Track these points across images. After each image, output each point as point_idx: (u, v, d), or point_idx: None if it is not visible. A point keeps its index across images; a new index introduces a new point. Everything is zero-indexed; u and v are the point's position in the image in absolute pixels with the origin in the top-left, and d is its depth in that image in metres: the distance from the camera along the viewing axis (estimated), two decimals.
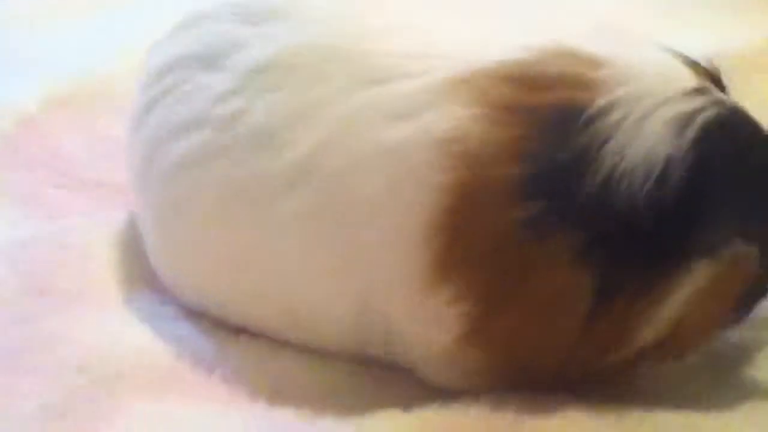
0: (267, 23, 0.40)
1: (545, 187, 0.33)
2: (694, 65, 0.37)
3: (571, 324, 0.35)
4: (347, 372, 0.41)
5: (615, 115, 0.33)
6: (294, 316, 0.41)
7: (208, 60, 0.40)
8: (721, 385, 0.40)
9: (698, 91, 0.34)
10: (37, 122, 0.61)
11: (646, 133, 0.33)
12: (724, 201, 0.33)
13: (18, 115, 0.62)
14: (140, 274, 0.48)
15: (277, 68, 0.38)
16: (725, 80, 0.37)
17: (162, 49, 0.44)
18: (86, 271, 0.49)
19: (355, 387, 0.41)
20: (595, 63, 0.35)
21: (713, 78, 0.37)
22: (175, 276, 0.45)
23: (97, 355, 0.42)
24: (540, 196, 0.33)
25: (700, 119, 0.33)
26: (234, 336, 0.44)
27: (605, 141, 0.33)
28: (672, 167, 0.32)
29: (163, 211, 0.43)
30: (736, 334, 0.41)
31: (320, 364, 0.42)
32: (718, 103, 0.34)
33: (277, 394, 0.40)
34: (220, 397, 0.41)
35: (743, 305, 0.38)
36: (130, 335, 0.44)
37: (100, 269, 0.49)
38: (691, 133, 0.33)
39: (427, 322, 0.37)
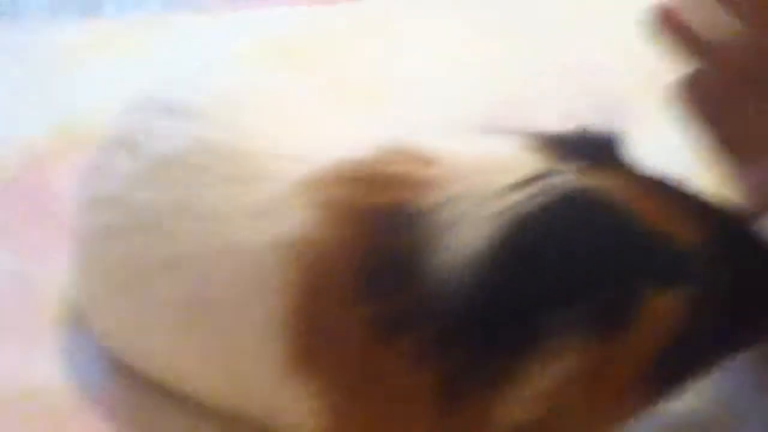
0: (180, 117, 0.42)
1: (383, 286, 0.34)
2: (549, 147, 0.36)
3: (422, 424, 0.35)
4: None
5: (440, 214, 0.34)
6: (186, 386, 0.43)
7: (122, 143, 0.43)
8: None
9: (525, 183, 0.34)
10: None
11: (467, 231, 0.33)
12: (546, 297, 0.33)
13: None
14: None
15: (176, 162, 0.40)
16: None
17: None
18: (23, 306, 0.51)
19: None
20: (427, 161, 0.36)
21: (589, 145, 0.36)
22: (93, 322, 0.47)
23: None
24: (379, 295, 0.34)
25: (514, 214, 0.33)
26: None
27: (432, 240, 0.33)
28: (485, 264, 0.33)
29: (79, 271, 0.46)
30: None
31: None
32: (541, 191, 0.33)
33: None
34: None
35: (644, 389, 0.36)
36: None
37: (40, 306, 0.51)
38: (503, 228, 0.33)
39: (289, 417, 0.38)
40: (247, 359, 0.38)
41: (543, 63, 0.65)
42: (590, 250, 0.33)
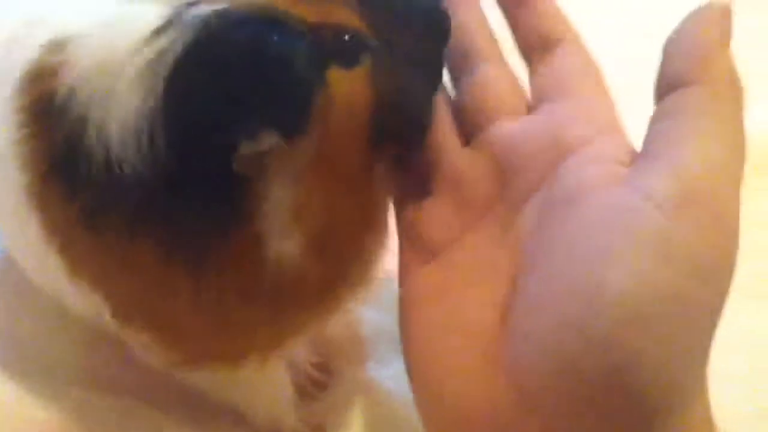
0: None
1: (71, 176, 0.33)
2: None
3: (167, 284, 0.33)
4: None
5: (84, 94, 0.31)
6: None
7: None
8: None
9: (159, 31, 0.31)
10: None
11: (118, 99, 0.31)
12: (219, 118, 0.30)
13: None
14: None
15: None
16: None
17: None
18: None
19: None
20: (59, 46, 0.33)
21: None
22: None
23: None
24: (72, 186, 0.33)
25: (161, 56, 0.30)
26: None
27: (84, 121, 0.31)
28: (149, 119, 0.30)
29: None
30: None
31: None
32: (185, 27, 0.30)
33: None
34: None
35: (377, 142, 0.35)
36: None
37: None
38: (151, 76, 0.30)
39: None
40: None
41: None
42: (264, 54, 0.31)
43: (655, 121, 0.32)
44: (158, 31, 0.31)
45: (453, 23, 0.37)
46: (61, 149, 0.32)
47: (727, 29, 0.32)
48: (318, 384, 0.45)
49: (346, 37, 0.33)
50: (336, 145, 0.33)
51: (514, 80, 0.39)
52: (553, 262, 0.31)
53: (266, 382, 0.41)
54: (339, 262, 0.36)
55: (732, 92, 0.31)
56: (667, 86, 0.32)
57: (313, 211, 0.33)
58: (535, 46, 0.39)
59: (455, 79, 0.40)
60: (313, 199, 0.33)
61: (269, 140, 0.31)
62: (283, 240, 0.33)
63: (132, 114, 0.30)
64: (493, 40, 0.40)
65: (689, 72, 0.31)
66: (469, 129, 0.38)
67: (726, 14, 0.32)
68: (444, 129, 0.38)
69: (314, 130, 0.32)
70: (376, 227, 0.38)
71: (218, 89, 0.30)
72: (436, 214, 0.37)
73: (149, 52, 0.30)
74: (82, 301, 0.37)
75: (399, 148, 0.37)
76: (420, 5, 0.36)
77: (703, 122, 0.30)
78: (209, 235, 0.32)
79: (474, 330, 0.33)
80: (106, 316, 0.36)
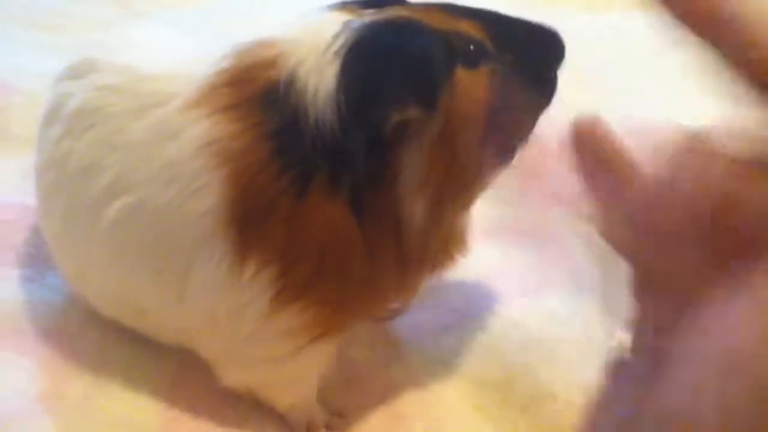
0: (86, 76, 0.47)
1: (289, 151, 0.41)
2: (347, 7, 0.45)
3: (352, 242, 0.42)
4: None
5: (297, 78, 0.41)
6: (142, 314, 0.48)
7: (51, 113, 0.48)
8: None
9: (339, 32, 0.42)
10: None
11: (321, 79, 0.41)
12: (379, 87, 0.41)
13: None
14: None
15: (86, 110, 0.46)
16: None
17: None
18: None
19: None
20: (268, 46, 0.43)
21: (373, 2, 0.45)
22: (62, 270, 0.52)
23: None
24: (289, 160, 0.41)
25: (343, 46, 0.41)
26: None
27: (303, 97, 0.41)
28: (336, 89, 0.41)
29: (42, 228, 0.52)
30: None
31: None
32: (354, 29, 0.42)
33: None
34: None
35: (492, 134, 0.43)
36: None
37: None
38: (338, 62, 0.41)
39: (240, 302, 0.43)
40: (194, 268, 0.43)
41: None
42: (398, 50, 0.42)
43: None
44: (338, 34, 0.42)
45: None
46: (286, 126, 0.41)
47: None
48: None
49: (471, 47, 0.43)
50: (456, 128, 0.42)
51: None
52: None
53: (299, 381, 0.49)
54: (448, 231, 0.45)
55: None
56: None
57: (434, 181, 0.42)
58: None
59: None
60: (435, 170, 0.42)
61: (412, 112, 0.41)
62: (414, 201, 0.42)
63: (328, 85, 0.40)
64: None
65: None
66: None
67: None
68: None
69: (441, 112, 0.41)
70: (472, 204, 0.46)
71: (376, 72, 0.41)
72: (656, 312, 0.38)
73: (334, 47, 0.41)
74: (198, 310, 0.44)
75: (503, 147, 0.45)
76: (538, 28, 0.45)
77: None
78: (367, 185, 0.41)
79: None
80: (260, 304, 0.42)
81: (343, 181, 0.41)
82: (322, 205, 0.41)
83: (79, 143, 0.45)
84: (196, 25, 0.65)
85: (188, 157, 0.42)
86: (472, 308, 0.56)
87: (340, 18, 0.43)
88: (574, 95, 0.44)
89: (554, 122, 0.42)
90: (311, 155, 0.40)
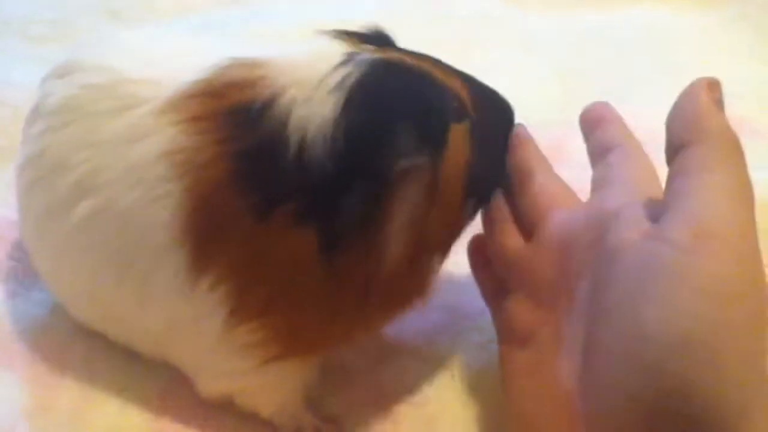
0: (71, 75, 0.46)
1: (255, 174, 0.40)
2: (346, 37, 0.45)
3: (314, 281, 0.41)
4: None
5: (280, 102, 0.40)
6: (114, 320, 0.48)
7: (34, 111, 0.48)
8: None
9: (342, 63, 0.41)
10: None
11: (314, 109, 0.39)
12: (388, 131, 0.40)
13: None
14: None
15: (66, 108, 0.45)
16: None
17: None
18: None
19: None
20: (256, 65, 0.42)
21: (371, 37, 0.46)
22: (43, 277, 0.52)
23: None
24: (254, 182, 0.40)
25: (346, 79, 0.40)
26: None
27: (282, 124, 0.39)
28: (336, 125, 0.39)
29: (22, 233, 0.52)
30: None
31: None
32: (360, 64, 0.41)
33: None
34: None
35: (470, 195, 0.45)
36: None
37: None
38: (341, 97, 0.40)
39: (196, 314, 0.42)
40: (151, 276, 0.43)
41: None
42: (410, 94, 0.41)
43: (667, 181, 0.37)
44: (341, 64, 0.41)
45: (510, 157, 0.48)
46: (253, 149, 0.39)
47: (717, 96, 0.37)
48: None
49: (455, 103, 0.44)
50: (445, 176, 0.42)
51: (563, 184, 0.48)
52: (608, 316, 0.36)
53: (276, 390, 0.48)
54: (420, 272, 0.45)
55: (726, 146, 0.36)
56: (672, 151, 0.37)
57: (419, 225, 0.42)
58: (598, 153, 0.45)
59: (516, 193, 0.48)
60: (421, 215, 0.42)
61: (418, 159, 0.41)
62: (397, 242, 0.41)
63: (323, 119, 0.39)
64: (544, 160, 0.48)
65: (686, 135, 0.36)
66: (528, 227, 0.46)
67: (713, 85, 0.37)
68: (508, 232, 0.47)
69: (438, 161, 0.42)
70: (447, 249, 0.46)
71: (386, 114, 0.40)
72: (518, 308, 0.45)
73: (336, 76, 0.40)
74: (161, 317, 0.43)
75: (479, 198, 0.47)
76: (496, 95, 0.48)
77: (703, 174, 0.35)
78: (356, 226, 0.40)
79: (560, 395, 0.40)
80: (211, 322, 0.42)
81: (316, 214, 0.40)
82: (285, 233, 0.40)
83: (56, 138, 0.45)
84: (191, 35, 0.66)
85: (151, 163, 0.41)
86: (465, 308, 0.55)
87: (339, 49, 0.43)
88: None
89: None
90: (280, 182, 0.39)
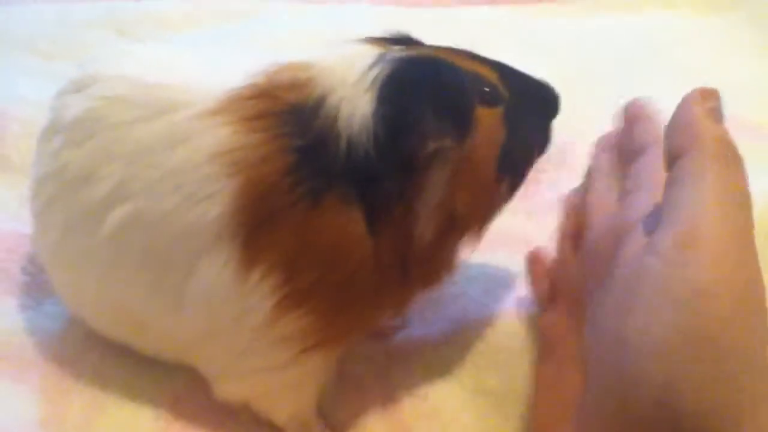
0: (88, 88, 0.47)
1: (308, 166, 0.42)
2: (376, 41, 0.48)
3: (362, 258, 0.43)
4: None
5: (330, 100, 0.43)
6: (141, 328, 0.48)
7: (50, 127, 0.49)
8: None
9: (374, 63, 0.44)
10: None
11: (356, 106, 0.43)
12: (414, 118, 0.42)
13: None
14: None
15: (88, 119, 0.46)
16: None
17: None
18: None
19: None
20: (301, 69, 0.45)
21: (399, 40, 0.49)
22: (60, 291, 0.52)
23: None
24: (306, 174, 0.42)
25: (379, 76, 0.43)
26: None
27: (333, 120, 0.42)
28: (374, 119, 0.42)
29: (38, 249, 0.53)
30: None
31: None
32: (389, 62, 0.44)
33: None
34: None
35: (503, 171, 0.47)
36: None
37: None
38: (374, 93, 0.43)
39: (241, 309, 0.44)
40: (192, 265, 0.44)
41: None
42: (433, 83, 0.44)
43: (665, 191, 0.37)
44: (372, 65, 0.44)
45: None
46: (310, 143, 0.42)
47: (712, 105, 0.37)
48: None
49: (487, 88, 0.46)
50: (474, 160, 0.45)
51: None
52: (599, 328, 0.37)
53: (297, 391, 0.49)
54: (451, 252, 0.47)
55: (719, 153, 0.36)
56: (669, 160, 0.37)
57: (449, 206, 0.44)
58: (631, 153, 0.46)
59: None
60: (452, 196, 0.44)
61: (446, 141, 0.43)
62: (428, 223, 0.44)
63: (364, 114, 0.42)
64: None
65: (680, 145, 0.37)
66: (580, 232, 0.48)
67: (707, 94, 0.38)
68: (564, 245, 0.50)
69: (464, 144, 0.44)
70: (482, 229, 0.48)
71: (414, 102, 0.43)
72: (553, 319, 0.49)
73: (371, 75, 0.44)
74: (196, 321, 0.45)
75: (509, 184, 0.48)
76: (539, 83, 0.50)
77: (695, 182, 0.35)
78: (390, 207, 0.43)
79: (571, 405, 0.41)
80: (259, 313, 0.43)
81: (363, 197, 0.42)
82: (335, 216, 0.42)
83: (79, 152, 0.45)
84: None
85: (199, 163, 0.42)
86: (472, 319, 0.55)
87: (372, 51, 0.46)
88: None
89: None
90: (332, 172, 0.42)
